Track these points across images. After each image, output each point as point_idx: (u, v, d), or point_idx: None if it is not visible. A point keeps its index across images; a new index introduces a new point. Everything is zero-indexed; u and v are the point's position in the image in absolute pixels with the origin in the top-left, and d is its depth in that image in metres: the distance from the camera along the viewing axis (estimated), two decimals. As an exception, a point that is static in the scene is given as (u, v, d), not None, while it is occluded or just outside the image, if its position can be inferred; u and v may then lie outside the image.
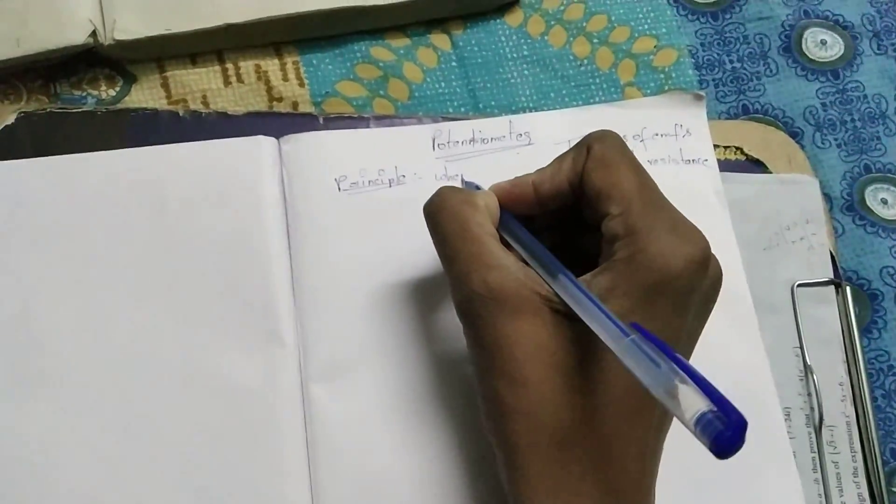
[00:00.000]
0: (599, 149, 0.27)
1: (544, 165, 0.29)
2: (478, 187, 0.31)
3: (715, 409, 0.19)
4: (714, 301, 0.27)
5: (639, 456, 0.26)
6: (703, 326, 0.27)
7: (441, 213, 0.28)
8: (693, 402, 0.20)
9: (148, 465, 0.30)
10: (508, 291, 0.25)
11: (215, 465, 0.30)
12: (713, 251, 0.34)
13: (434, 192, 0.28)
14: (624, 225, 0.26)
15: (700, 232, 0.27)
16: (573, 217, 0.29)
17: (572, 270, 0.26)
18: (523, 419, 0.25)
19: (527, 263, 0.27)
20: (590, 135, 0.28)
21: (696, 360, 0.33)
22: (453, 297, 0.27)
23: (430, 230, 0.28)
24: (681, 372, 0.21)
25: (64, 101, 0.36)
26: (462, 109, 0.38)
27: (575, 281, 0.25)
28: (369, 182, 0.35)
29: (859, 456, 0.34)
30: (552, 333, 0.25)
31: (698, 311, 0.27)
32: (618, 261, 0.26)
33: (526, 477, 0.25)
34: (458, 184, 0.35)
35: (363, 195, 0.34)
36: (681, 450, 0.32)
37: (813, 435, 0.34)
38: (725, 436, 0.19)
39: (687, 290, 0.26)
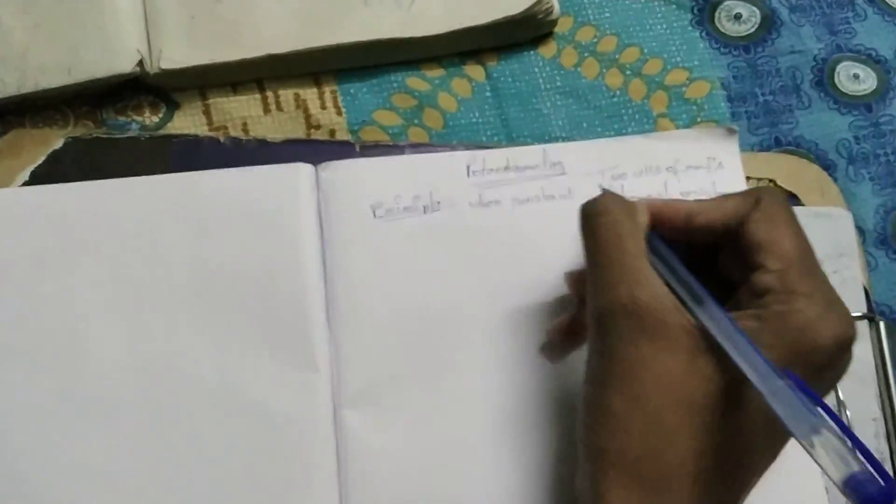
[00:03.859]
0: (769, 202, 0.28)
1: (704, 199, 0.29)
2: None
3: (868, 469, 0.20)
4: (839, 380, 0.27)
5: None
6: None
7: (601, 217, 0.28)
8: (843, 458, 0.20)
9: (179, 486, 0.31)
10: (654, 311, 0.25)
11: (247, 487, 0.31)
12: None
13: (596, 195, 0.28)
14: (782, 282, 0.26)
15: (850, 314, 0.27)
16: (700, 258, 0.29)
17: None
18: (632, 436, 0.24)
19: (670, 287, 0.27)
20: (760, 188, 0.29)
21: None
22: (591, 304, 0.27)
23: (582, 231, 0.28)
24: (833, 424, 0.21)
25: (110, 127, 0.38)
26: (495, 139, 0.39)
27: (726, 312, 0.25)
28: (404, 208, 0.35)
29: (893, 493, 0.34)
30: (689, 368, 0.25)
31: (826, 388, 0.26)
32: (770, 312, 0.25)
33: (607, 498, 0.25)
34: (478, 215, 0.35)
35: (398, 221, 0.35)
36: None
37: (846, 471, 0.34)
38: (877, 499, 0.19)
39: (827, 365, 0.25)
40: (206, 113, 0.38)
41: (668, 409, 0.25)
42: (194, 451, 0.31)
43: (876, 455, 0.34)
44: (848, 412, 0.34)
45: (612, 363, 0.26)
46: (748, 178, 0.37)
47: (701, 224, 0.28)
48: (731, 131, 0.37)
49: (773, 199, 0.28)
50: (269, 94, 0.39)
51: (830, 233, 0.37)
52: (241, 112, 0.38)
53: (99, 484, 0.31)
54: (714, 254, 0.29)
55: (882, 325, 0.36)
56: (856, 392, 0.35)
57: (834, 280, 0.36)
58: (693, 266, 0.28)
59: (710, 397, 0.25)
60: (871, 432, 0.34)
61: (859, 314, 0.36)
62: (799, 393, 0.22)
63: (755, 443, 0.25)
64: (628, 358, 0.25)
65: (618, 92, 0.40)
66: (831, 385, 0.27)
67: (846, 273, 0.37)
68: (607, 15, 0.41)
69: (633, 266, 0.26)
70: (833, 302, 0.26)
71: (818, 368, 0.25)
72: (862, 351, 0.35)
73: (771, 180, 0.38)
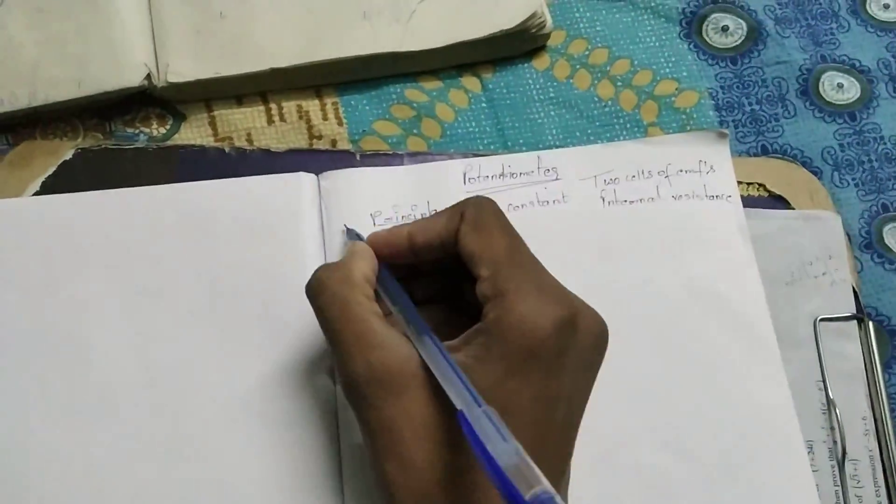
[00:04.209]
0: (473, 213, 0.28)
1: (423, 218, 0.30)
2: (359, 236, 0.32)
3: (551, 491, 0.20)
4: (599, 357, 0.27)
5: None
6: (590, 385, 0.27)
7: (321, 297, 0.28)
8: (531, 481, 0.20)
9: (185, 488, 0.31)
10: (392, 371, 0.25)
11: (251, 488, 0.31)
12: (736, 285, 0.35)
13: (312, 273, 0.29)
14: (493, 287, 0.26)
15: (568, 292, 0.27)
16: (457, 266, 0.29)
17: (463, 320, 0.27)
18: (414, 499, 0.25)
19: (393, 319, 0.27)
20: (465, 200, 0.29)
21: (722, 394, 0.34)
22: (341, 383, 0.27)
23: (315, 313, 0.28)
24: (523, 451, 0.21)
25: (118, 139, 0.39)
26: (491, 147, 0.40)
27: (438, 343, 0.26)
28: (402, 217, 0.36)
29: (883, 490, 0.34)
30: (437, 407, 0.25)
31: (578, 370, 0.26)
32: (488, 322, 0.26)
33: None
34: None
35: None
36: (708, 487, 0.32)
37: (836, 469, 0.34)
38: None
39: (557, 351, 0.25)
40: (212, 124, 0.39)
41: (432, 454, 0.25)
42: (199, 454, 0.31)
43: (866, 452, 0.35)
44: (838, 411, 0.35)
45: (373, 433, 0.26)
46: (738, 183, 0.38)
47: (421, 244, 0.29)
48: (721, 135, 0.38)
49: (477, 207, 0.28)
50: (273, 105, 0.40)
51: (820, 235, 0.38)
52: (245, 123, 0.39)
53: (106, 487, 0.31)
54: None
55: (871, 325, 0.36)
56: (845, 391, 0.35)
57: (823, 281, 0.37)
58: (465, 284, 0.29)
59: (453, 427, 0.25)
60: (860, 430, 0.35)
61: (849, 315, 0.36)
62: (497, 419, 0.22)
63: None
64: (383, 421, 0.25)
65: (609, 102, 0.41)
66: (588, 363, 0.27)
67: (836, 275, 0.37)
68: (598, 28, 0.43)
69: (362, 332, 0.26)
70: (542, 287, 0.26)
71: (554, 356, 0.25)
72: (851, 351, 0.36)
73: (761, 184, 0.39)
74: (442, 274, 0.31)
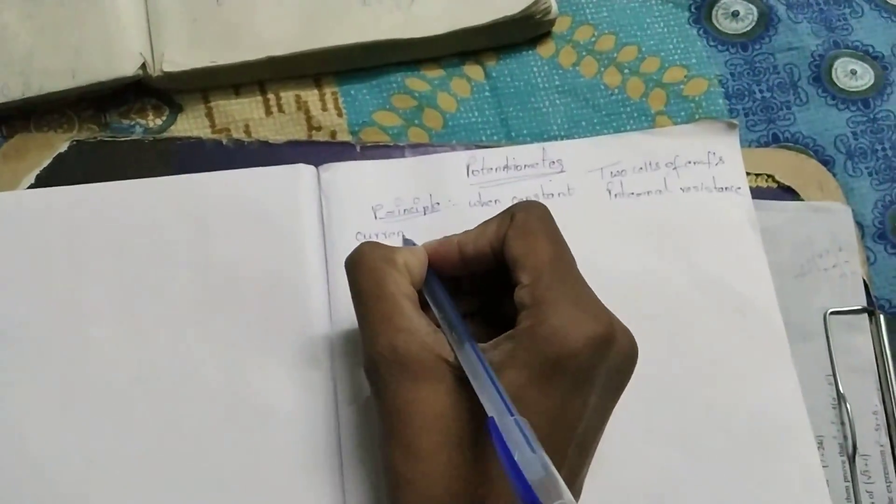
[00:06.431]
0: (522, 217, 0.28)
1: (470, 228, 0.29)
2: (413, 244, 0.31)
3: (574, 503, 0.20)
4: (627, 377, 0.27)
5: None
6: (614, 403, 0.27)
7: (358, 269, 0.28)
8: (554, 495, 0.20)
9: (184, 484, 0.31)
10: (412, 356, 0.25)
11: (250, 485, 0.31)
12: (745, 278, 0.35)
13: (357, 246, 0.29)
14: (531, 295, 0.26)
15: (606, 309, 0.26)
16: (499, 282, 0.29)
17: (493, 337, 0.26)
18: (414, 491, 0.25)
19: (441, 327, 0.27)
20: (517, 203, 0.29)
21: (730, 388, 0.33)
22: (363, 358, 0.27)
23: (349, 285, 0.28)
24: (550, 464, 0.21)
25: (113, 130, 0.38)
26: (494, 138, 0.39)
27: (477, 350, 0.25)
28: (404, 210, 0.35)
29: (895, 486, 0.34)
30: (453, 402, 0.25)
31: (605, 388, 0.26)
32: (520, 330, 0.25)
33: None
34: (477, 214, 0.35)
35: (399, 223, 0.35)
36: (717, 482, 0.32)
37: (846, 464, 0.34)
38: None
39: (587, 367, 0.25)
40: (209, 115, 0.39)
41: (439, 450, 0.25)
42: (198, 448, 0.31)
43: (877, 447, 0.34)
44: (848, 405, 0.34)
45: (385, 415, 0.26)
46: (747, 174, 0.37)
47: (472, 253, 0.28)
48: (731, 125, 0.37)
49: (526, 212, 0.28)
50: (271, 96, 0.39)
51: (830, 227, 0.37)
52: (243, 114, 0.39)
53: (105, 483, 0.31)
54: None
55: (882, 318, 0.36)
56: (856, 385, 0.35)
57: (833, 274, 0.37)
58: (500, 300, 0.29)
59: (475, 431, 0.25)
60: (871, 425, 0.34)
61: (859, 308, 0.36)
62: (529, 430, 0.22)
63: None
64: (396, 405, 0.25)
65: (616, 90, 0.40)
66: (616, 383, 0.27)
67: (846, 267, 0.37)
68: (605, 14, 0.42)
69: (391, 313, 0.26)
70: (581, 301, 0.26)
71: (583, 371, 0.25)
72: (862, 344, 0.36)
73: (770, 175, 0.38)
74: (481, 292, 0.30)
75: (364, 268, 0.28)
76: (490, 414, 0.23)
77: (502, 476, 0.24)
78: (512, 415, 0.23)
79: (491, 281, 0.29)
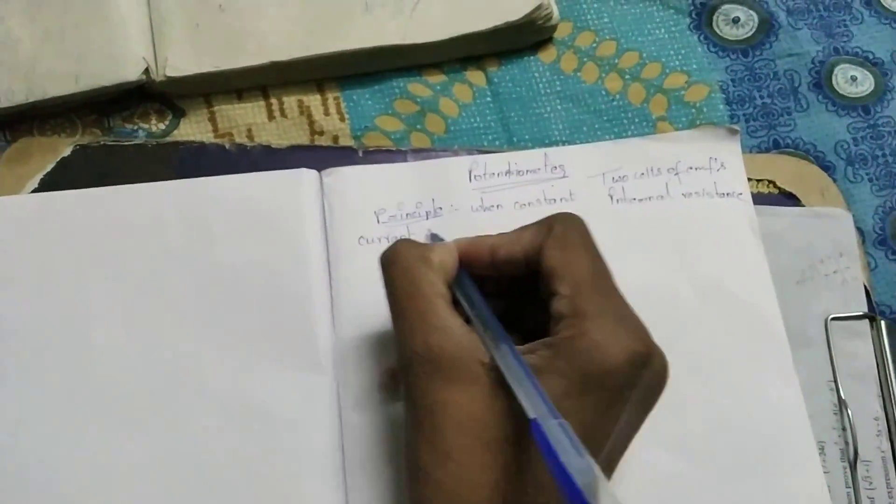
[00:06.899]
0: (561, 229, 0.28)
1: (506, 231, 0.29)
2: (441, 240, 0.31)
3: None
4: (658, 396, 0.27)
5: None
6: (641, 422, 0.27)
7: (394, 267, 0.28)
8: (608, 500, 0.20)
9: (186, 487, 0.31)
10: (447, 355, 0.25)
11: (252, 488, 0.31)
12: (747, 284, 0.35)
13: (392, 243, 0.28)
14: (571, 306, 0.26)
15: (645, 327, 0.26)
16: (523, 289, 0.29)
17: (518, 341, 0.26)
18: (442, 493, 0.24)
19: (472, 325, 0.27)
20: (555, 214, 0.28)
21: (732, 394, 0.33)
22: (397, 356, 0.27)
23: (383, 282, 0.28)
24: (597, 469, 0.21)
25: (117, 135, 0.38)
26: (496, 143, 0.39)
27: (515, 351, 0.25)
28: (407, 215, 0.35)
29: (896, 492, 0.34)
30: (487, 405, 0.25)
31: (636, 406, 0.26)
32: (560, 339, 0.25)
33: None
34: (479, 219, 0.35)
35: (401, 228, 0.35)
36: (718, 488, 0.32)
37: (848, 470, 0.34)
38: None
39: (624, 384, 0.25)
40: (212, 120, 0.39)
41: (469, 451, 0.24)
42: (201, 452, 0.31)
43: (878, 453, 0.34)
44: (849, 411, 0.34)
45: (416, 413, 0.26)
46: (748, 180, 0.37)
47: (504, 258, 0.28)
48: (732, 131, 0.38)
49: (566, 224, 0.28)
50: (274, 100, 0.39)
51: (831, 233, 0.37)
52: (245, 119, 0.39)
53: (108, 485, 0.31)
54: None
55: (883, 323, 0.36)
56: (857, 391, 0.35)
57: (834, 280, 0.37)
58: (521, 308, 0.29)
59: (507, 434, 0.25)
60: (872, 431, 0.34)
61: (860, 313, 0.36)
62: (572, 434, 0.22)
63: (547, 478, 0.24)
64: (428, 404, 0.25)
65: (617, 96, 0.41)
66: (649, 400, 0.27)
67: (847, 273, 0.37)
68: (606, 20, 0.42)
69: (426, 312, 0.26)
70: (623, 317, 0.26)
71: (620, 388, 0.25)
72: (863, 350, 0.36)
73: (771, 181, 0.38)
74: (502, 295, 0.30)
75: (399, 266, 0.27)
76: (531, 416, 0.23)
77: (534, 483, 0.24)
78: (556, 417, 0.22)
79: (513, 287, 0.29)
